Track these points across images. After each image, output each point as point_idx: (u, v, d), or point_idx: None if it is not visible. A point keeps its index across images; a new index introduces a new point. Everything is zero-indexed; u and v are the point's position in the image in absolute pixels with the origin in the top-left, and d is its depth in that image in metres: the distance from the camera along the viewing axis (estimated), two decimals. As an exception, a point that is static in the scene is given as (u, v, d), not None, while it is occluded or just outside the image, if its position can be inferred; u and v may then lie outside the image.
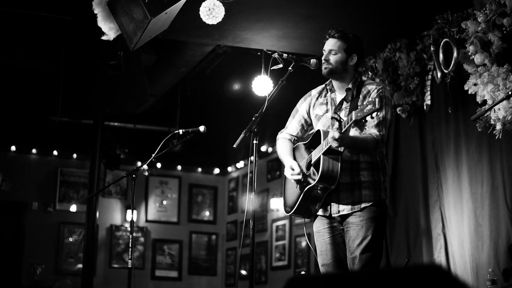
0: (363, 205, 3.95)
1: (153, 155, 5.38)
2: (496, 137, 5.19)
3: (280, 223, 9.70)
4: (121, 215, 10.68)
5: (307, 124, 4.34)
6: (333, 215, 4.05)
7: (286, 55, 4.18)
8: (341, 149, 3.89)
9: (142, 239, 10.76)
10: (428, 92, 6.18)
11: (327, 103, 4.18)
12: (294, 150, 4.32)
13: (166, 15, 4.91)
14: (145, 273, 10.67)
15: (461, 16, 5.67)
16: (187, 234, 11.13)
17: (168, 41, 7.37)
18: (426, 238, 6.08)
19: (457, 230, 5.72)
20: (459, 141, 5.81)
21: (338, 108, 4.11)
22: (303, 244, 9.08)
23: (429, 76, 6.18)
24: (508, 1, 5.09)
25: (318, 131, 4.01)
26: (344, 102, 4.10)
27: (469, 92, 5.43)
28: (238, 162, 10.94)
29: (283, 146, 4.34)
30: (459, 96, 5.80)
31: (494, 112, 5.12)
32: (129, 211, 10.58)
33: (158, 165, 10.58)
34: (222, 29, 6.24)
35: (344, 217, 4.02)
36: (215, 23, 5.48)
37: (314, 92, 4.32)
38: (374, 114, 3.62)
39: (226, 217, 11.32)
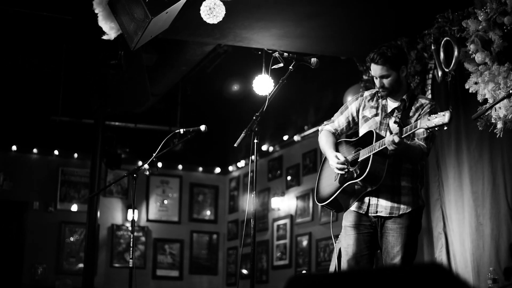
0: (401, 212, 4.06)
1: (154, 154, 5.38)
2: (497, 136, 5.19)
3: (281, 222, 9.70)
4: (122, 215, 10.69)
5: (354, 123, 4.40)
6: (369, 214, 4.12)
7: (287, 54, 4.18)
8: (389, 153, 3.96)
9: (143, 239, 10.76)
10: (429, 91, 6.18)
11: (377, 107, 4.24)
12: (337, 145, 4.37)
13: (166, 14, 4.91)
14: (146, 272, 10.67)
15: (461, 15, 5.67)
16: (188, 233, 11.13)
17: (169, 40, 7.37)
18: (427, 237, 6.08)
19: (458, 229, 5.72)
20: (460, 139, 5.81)
21: (389, 115, 4.18)
22: (304, 243, 9.08)
23: (430, 75, 6.18)
24: (509, 0, 5.08)
25: (371, 131, 4.09)
26: (396, 111, 4.17)
27: (470, 91, 5.43)
28: (239, 161, 10.94)
29: (327, 138, 4.40)
30: (460, 95, 5.79)
31: (495, 110, 5.12)
32: (130, 211, 10.58)
33: (159, 164, 10.59)
34: (222, 28, 6.24)
35: (381, 219, 4.10)
36: (216, 22, 5.48)
37: (367, 93, 4.38)
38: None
39: (227, 216, 11.32)
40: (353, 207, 4.19)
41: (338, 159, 4.16)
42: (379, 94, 4.27)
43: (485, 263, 5.34)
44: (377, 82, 4.17)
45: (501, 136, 5.17)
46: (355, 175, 4.07)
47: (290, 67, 4.13)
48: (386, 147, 3.87)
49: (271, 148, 9.94)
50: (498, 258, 5.25)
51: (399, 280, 1.62)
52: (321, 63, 4.23)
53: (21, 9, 7.13)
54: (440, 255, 5.86)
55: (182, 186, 11.23)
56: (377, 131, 4.12)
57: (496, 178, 5.39)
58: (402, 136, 3.78)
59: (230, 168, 11.29)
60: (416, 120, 4.02)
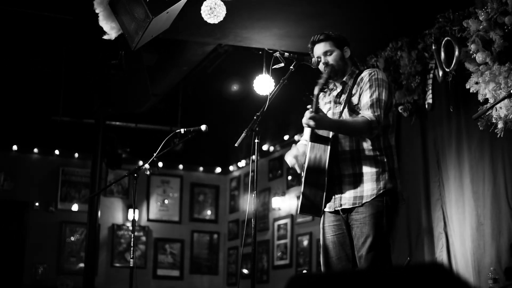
0: (364, 200, 3.85)
1: (154, 154, 5.38)
2: (498, 136, 5.19)
3: (281, 222, 9.70)
4: (123, 214, 10.69)
5: None
6: (336, 209, 3.97)
7: (288, 54, 4.17)
8: (326, 133, 3.87)
9: (143, 238, 10.77)
10: (430, 91, 6.18)
11: (330, 101, 4.18)
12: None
13: (167, 14, 4.91)
14: (146, 272, 10.67)
15: (462, 15, 5.67)
16: (188, 233, 11.14)
17: (170, 40, 7.37)
18: (428, 237, 6.08)
19: (459, 229, 5.72)
20: (461, 139, 5.81)
21: (336, 101, 4.10)
22: (305, 243, 9.08)
23: (431, 75, 6.18)
24: (509, 0, 5.09)
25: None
26: (342, 95, 4.06)
27: (470, 91, 5.43)
28: (240, 161, 10.94)
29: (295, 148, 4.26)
30: (460, 95, 5.80)
31: (496, 110, 5.12)
32: (130, 210, 10.59)
33: (160, 164, 10.60)
34: (223, 28, 6.24)
35: (347, 212, 3.93)
36: (217, 22, 5.48)
37: (321, 94, 4.31)
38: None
39: (228, 216, 11.32)
40: (326, 207, 4.04)
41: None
42: (329, 87, 4.15)
43: (485, 263, 5.34)
44: (322, 59, 4.05)
45: (501, 136, 5.17)
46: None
47: (291, 67, 4.12)
48: (315, 131, 3.78)
49: (271, 148, 9.94)
50: (498, 258, 5.25)
51: (400, 280, 1.63)
52: (324, 68, 4.22)
53: (21, 9, 7.13)
54: (441, 255, 5.87)
55: (182, 186, 11.23)
56: None
57: (497, 178, 5.39)
58: (313, 109, 3.63)
59: (231, 168, 11.29)
60: (360, 95, 3.92)
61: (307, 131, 4.17)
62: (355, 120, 3.84)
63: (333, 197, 3.97)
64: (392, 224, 3.91)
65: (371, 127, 3.80)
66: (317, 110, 3.67)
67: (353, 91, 3.97)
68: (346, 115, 3.95)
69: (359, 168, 3.91)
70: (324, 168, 3.84)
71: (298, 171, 4.11)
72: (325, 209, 4.03)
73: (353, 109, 3.92)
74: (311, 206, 4.04)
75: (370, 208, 3.84)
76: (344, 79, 4.08)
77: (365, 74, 3.99)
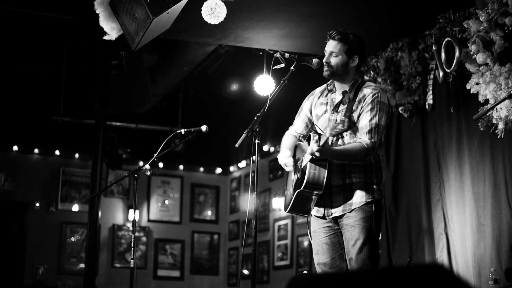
0: (353, 207, 3.98)
1: (155, 154, 5.38)
2: (498, 137, 5.19)
3: (282, 222, 9.70)
4: (123, 215, 10.69)
5: (311, 123, 4.34)
6: (326, 217, 4.09)
7: (288, 54, 4.18)
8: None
9: (144, 239, 10.77)
10: (430, 92, 6.18)
11: (327, 103, 4.19)
12: (296, 147, 4.33)
13: (168, 14, 4.91)
14: (147, 272, 10.67)
15: (463, 16, 5.67)
16: (189, 233, 11.13)
17: (170, 41, 7.38)
18: (428, 238, 6.08)
19: (459, 230, 5.72)
20: (461, 140, 5.81)
21: (334, 110, 4.12)
22: (305, 243, 9.08)
23: (431, 76, 6.18)
24: (510, 0, 5.08)
25: (309, 136, 4.05)
26: (341, 105, 4.10)
27: (471, 92, 5.43)
28: (240, 161, 10.94)
29: (287, 141, 4.35)
30: (461, 96, 5.80)
31: (496, 111, 5.12)
32: (131, 211, 10.59)
33: (160, 164, 10.59)
34: (224, 28, 6.24)
35: (338, 218, 4.04)
36: (217, 22, 5.48)
37: (317, 91, 4.32)
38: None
39: (228, 216, 11.32)
40: (313, 211, 4.14)
41: (283, 156, 4.13)
42: (328, 87, 4.20)
43: (486, 264, 5.34)
44: (325, 57, 4.09)
45: (502, 136, 5.17)
46: (299, 182, 4.05)
47: (291, 68, 4.13)
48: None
49: (272, 149, 9.94)
50: (499, 258, 5.25)
51: (400, 280, 1.63)
52: (322, 63, 4.23)
53: (22, 10, 7.14)
54: (441, 256, 5.86)
55: (183, 186, 11.23)
56: (327, 128, 4.07)
57: (497, 178, 5.39)
58: (321, 144, 3.75)
59: (231, 168, 11.29)
60: (360, 113, 3.98)
61: (298, 124, 4.33)
62: (353, 148, 3.93)
63: (323, 204, 4.09)
64: (379, 231, 4.07)
65: (366, 154, 3.93)
66: (325, 143, 3.82)
67: (354, 107, 4.02)
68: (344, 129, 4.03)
69: (349, 180, 4.03)
70: (322, 185, 3.97)
71: (289, 168, 4.15)
72: (315, 214, 4.11)
73: (351, 126, 4.00)
74: (301, 210, 4.20)
75: (359, 213, 3.98)
76: (346, 88, 4.10)
77: (368, 93, 4.02)
